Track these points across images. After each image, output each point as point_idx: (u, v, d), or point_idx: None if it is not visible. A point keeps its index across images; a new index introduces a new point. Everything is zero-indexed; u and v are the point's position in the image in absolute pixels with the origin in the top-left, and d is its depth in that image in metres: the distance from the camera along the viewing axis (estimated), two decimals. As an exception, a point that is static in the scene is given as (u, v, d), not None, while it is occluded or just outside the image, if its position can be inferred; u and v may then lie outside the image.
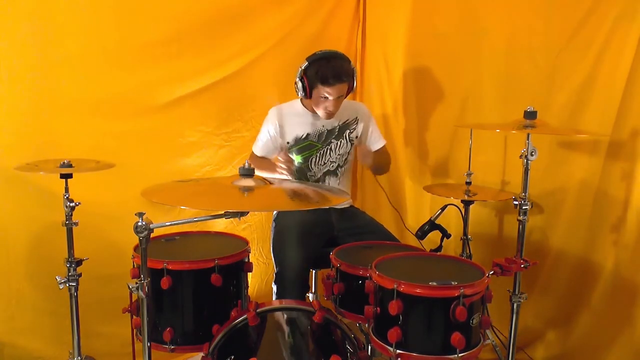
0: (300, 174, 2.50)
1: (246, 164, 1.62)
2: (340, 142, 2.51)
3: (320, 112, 2.39)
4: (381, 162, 2.59)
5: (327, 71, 2.26)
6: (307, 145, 2.46)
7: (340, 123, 2.50)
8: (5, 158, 2.17)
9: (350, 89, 2.38)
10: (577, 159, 2.32)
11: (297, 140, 2.46)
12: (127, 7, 2.37)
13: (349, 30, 3.13)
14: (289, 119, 2.46)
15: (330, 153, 2.50)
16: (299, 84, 2.34)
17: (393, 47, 2.98)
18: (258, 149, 2.52)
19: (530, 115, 1.94)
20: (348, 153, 2.55)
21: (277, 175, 2.40)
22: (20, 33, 2.18)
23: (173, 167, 2.63)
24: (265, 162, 2.50)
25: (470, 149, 2.41)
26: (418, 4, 2.83)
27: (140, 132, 2.49)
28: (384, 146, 2.63)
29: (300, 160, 2.48)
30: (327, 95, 2.30)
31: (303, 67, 2.32)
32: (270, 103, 2.58)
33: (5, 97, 2.19)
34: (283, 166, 2.40)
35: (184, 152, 2.66)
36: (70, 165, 1.98)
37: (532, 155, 1.90)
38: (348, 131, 2.52)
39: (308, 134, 2.46)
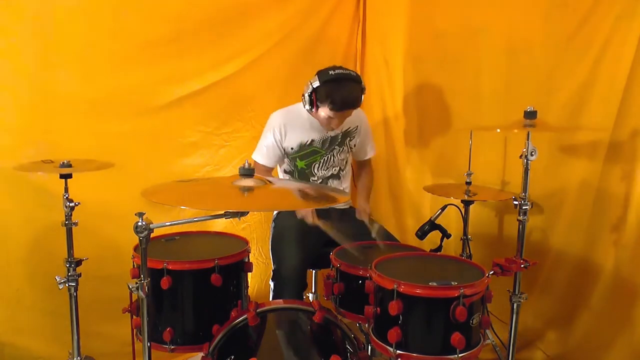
0: (303, 178, 2.49)
1: (246, 164, 1.62)
2: (342, 148, 2.51)
3: (323, 125, 2.39)
4: (371, 185, 2.70)
5: (338, 98, 2.23)
6: (311, 152, 2.45)
7: (343, 131, 2.50)
8: (5, 158, 2.17)
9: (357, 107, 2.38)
10: (577, 159, 2.31)
11: (302, 147, 2.44)
12: (127, 7, 2.37)
13: (349, 30, 3.13)
14: (293, 125, 2.44)
15: (332, 159, 2.50)
16: (307, 98, 2.30)
17: (393, 47, 2.98)
18: (261, 157, 2.47)
19: (530, 115, 1.94)
20: (348, 157, 2.56)
21: None
22: (21, 33, 2.18)
23: (173, 167, 2.63)
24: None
25: (470, 149, 2.41)
26: (418, 4, 2.83)
27: (140, 132, 2.49)
28: (370, 159, 2.68)
29: (303, 166, 2.47)
30: (333, 117, 2.30)
31: (314, 85, 2.27)
32: (270, 103, 2.58)
33: (5, 97, 2.19)
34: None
35: (184, 152, 2.66)
36: (69, 165, 1.98)
37: (532, 155, 1.90)
38: (349, 139, 2.52)
39: (313, 140, 2.45)
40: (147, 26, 2.44)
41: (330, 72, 2.26)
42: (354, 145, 2.55)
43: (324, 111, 2.29)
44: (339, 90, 2.24)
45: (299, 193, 1.80)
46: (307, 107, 2.33)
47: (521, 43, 2.41)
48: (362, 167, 2.72)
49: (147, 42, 2.44)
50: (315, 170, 2.49)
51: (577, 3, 2.22)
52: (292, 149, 2.44)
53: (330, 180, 2.53)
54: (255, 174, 1.58)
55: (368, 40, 3.16)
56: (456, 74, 2.70)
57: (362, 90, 2.33)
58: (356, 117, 2.54)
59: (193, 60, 2.58)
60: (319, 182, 2.51)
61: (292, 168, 2.49)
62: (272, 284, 2.29)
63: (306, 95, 2.31)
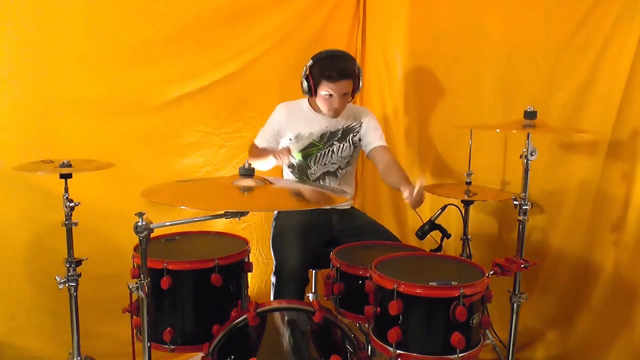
0: (301, 172, 2.50)
1: (246, 163, 1.62)
2: (343, 144, 2.51)
3: (325, 110, 2.39)
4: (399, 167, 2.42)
5: (331, 68, 2.27)
6: (308, 144, 2.46)
7: (344, 126, 2.50)
8: (5, 158, 2.17)
9: (356, 88, 2.38)
10: (577, 159, 2.32)
11: (299, 138, 2.46)
12: (127, 6, 2.37)
13: (349, 30, 3.13)
14: (294, 116, 2.47)
15: (331, 155, 2.50)
16: (304, 83, 2.35)
17: (393, 47, 2.98)
18: (260, 140, 2.50)
19: (530, 115, 1.94)
20: (351, 156, 2.54)
21: (268, 163, 2.37)
22: (20, 33, 2.18)
23: (173, 167, 2.63)
24: (260, 150, 2.43)
25: (470, 149, 2.41)
26: (418, 4, 2.83)
27: (140, 132, 2.48)
28: (383, 147, 2.50)
29: (300, 158, 2.48)
30: (331, 92, 2.31)
31: (308, 66, 2.33)
32: (270, 103, 2.58)
33: (5, 96, 2.18)
34: (282, 155, 2.30)
35: (184, 152, 2.66)
36: (69, 165, 1.98)
37: (532, 155, 1.90)
38: (351, 134, 2.52)
39: (311, 133, 2.46)
40: (147, 26, 2.44)
41: (322, 51, 2.35)
42: (359, 140, 2.54)
43: (321, 88, 2.31)
44: (333, 61, 2.30)
45: (294, 193, 1.80)
46: (306, 92, 2.37)
47: (521, 43, 2.41)
48: (381, 162, 2.46)
49: (146, 42, 2.44)
50: (312, 164, 2.49)
51: (577, 3, 2.22)
52: (290, 139, 2.46)
53: (326, 177, 2.53)
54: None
55: (368, 40, 3.16)
56: (456, 74, 2.70)
57: (358, 68, 2.37)
58: (360, 112, 2.55)
59: (193, 60, 2.58)
60: (315, 176, 2.50)
61: (292, 161, 2.50)
62: (273, 279, 2.29)
63: (303, 80, 2.35)
